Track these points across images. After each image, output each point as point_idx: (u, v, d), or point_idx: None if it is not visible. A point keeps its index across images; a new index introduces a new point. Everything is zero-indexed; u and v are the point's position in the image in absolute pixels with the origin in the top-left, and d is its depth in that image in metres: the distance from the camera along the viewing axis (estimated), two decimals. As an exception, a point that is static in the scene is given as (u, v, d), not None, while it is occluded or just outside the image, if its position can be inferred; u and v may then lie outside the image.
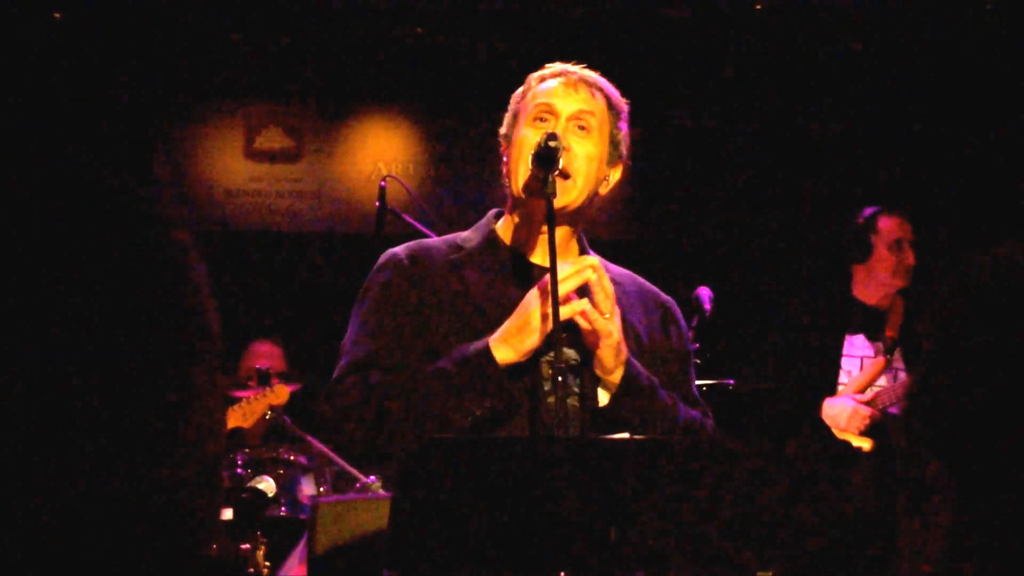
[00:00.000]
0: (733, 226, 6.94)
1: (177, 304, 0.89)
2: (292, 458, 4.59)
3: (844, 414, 4.07)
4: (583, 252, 2.44)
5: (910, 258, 4.23)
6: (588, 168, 2.32)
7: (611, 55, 3.08)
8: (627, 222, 6.90)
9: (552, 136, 2.21)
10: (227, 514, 4.13)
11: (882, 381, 4.17)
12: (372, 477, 4.26)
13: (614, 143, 2.38)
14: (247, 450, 4.54)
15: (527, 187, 2.29)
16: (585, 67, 2.42)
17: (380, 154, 7.06)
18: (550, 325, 2.12)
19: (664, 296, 2.49)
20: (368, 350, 2.28)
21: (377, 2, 6.61)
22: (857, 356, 4.24)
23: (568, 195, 2.29)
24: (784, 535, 1.63)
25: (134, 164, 6.62)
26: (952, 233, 5.02)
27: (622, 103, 2.42)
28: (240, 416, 4.37)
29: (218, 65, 6.86)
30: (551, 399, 2.18)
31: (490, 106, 2.77)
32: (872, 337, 4.25)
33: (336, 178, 7.06)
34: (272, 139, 7.07)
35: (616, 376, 2.22)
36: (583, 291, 2.21)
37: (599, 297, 2.19)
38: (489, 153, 6.97)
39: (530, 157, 2.24)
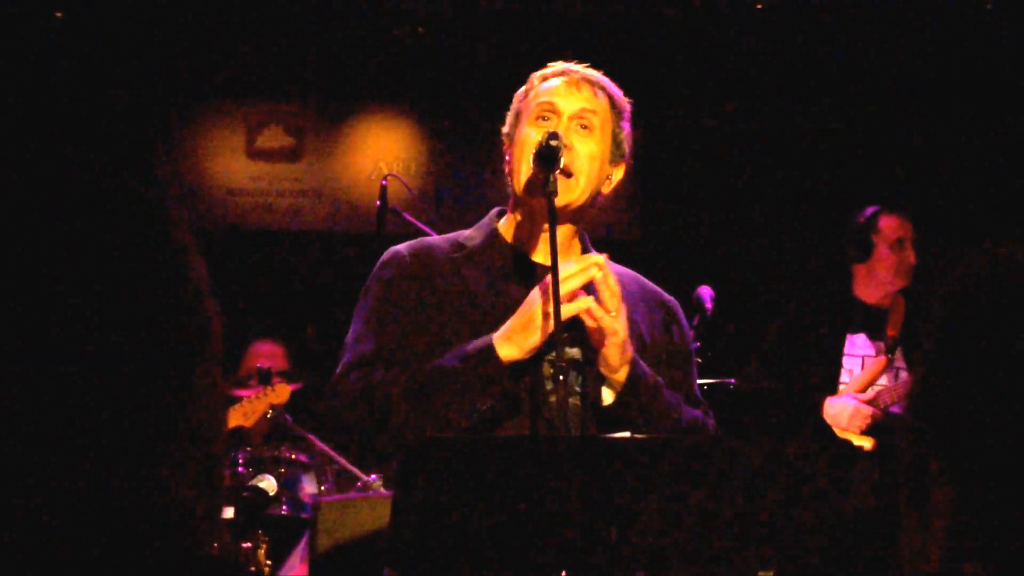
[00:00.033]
0: (734, 225, 6.94)
1: (177, 304, 0.89)
2: (293, 457, 4.59)
3: (845, 413, 4.07)
4: (585, 251, 2.43)
5: (911, 257, 4.22)
6: (590, 167, 2.32)
7: (611, 54, 3.08)
8: (628, 221, 6.90)
9: (553, 135, 2.21)
10: (228, 513, 4.13)
11: (883, 380, 4.17)
12: (373, 476, 4.27)
13: (616, 142, 2.38)
14: (248, 449, 4.54)
15: (528, 186, 2.29)
16: (588, 66, 2.42)
17: (381, 153, 7.06)
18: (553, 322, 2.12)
19: (666, 296, 2.49)
20: (371, 347, 2.28)
21: (377, 2, 6.62)
22: (858, 355, 4.23)
23: (570, 194, 2.29)
24: (784, 535, 1.63)
25: (134, 164, 6.61)
26: (952, 233, 5.02)
27: (625, 102, 2.42)
28: (241, 415, 4.37)
29: (219, 65, 6.86)
30: (552, 398, 2.18)
31: (491, 105, 2.77)
32: (873, 336, 4.24)
33: (337, 177, 7.06)
34: (273, 138, 7.07)
35: (621, 375, 2.22)
36: (589, 289, 2.20)
37: (605, 295, 2.19)
38: (490, 152, 6.98)
39: (531, 156, 2.24)
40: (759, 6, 6.46)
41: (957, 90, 6.53)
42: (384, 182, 4.50)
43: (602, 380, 2.24)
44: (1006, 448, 0.93)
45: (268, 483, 4.27)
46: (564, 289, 2.14)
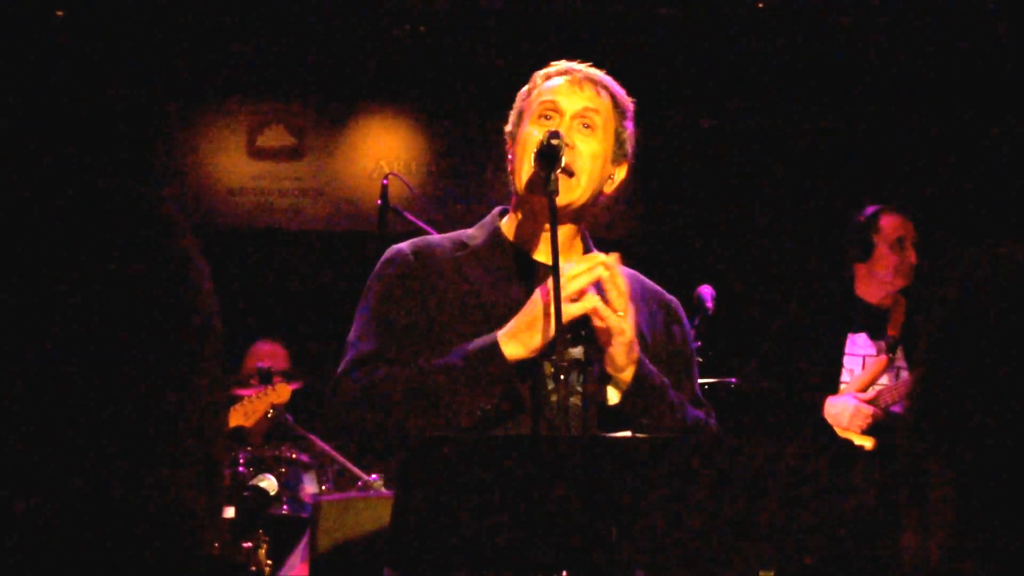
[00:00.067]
0: (734, 225, 6.94)
1: (179, 304, 0.89)
2: (294, 456, 4.59)
3: (846, 413, 4.07)
4: (587, 250, 2.43)
5: (912, 257, 4.22)
6: (592, 166, 2.32)
7: (611, 54, 3.08)
8: (628, 221, 6.90)
9: (555, 134, 2.21)
10: (229, 512, 4.13)
11: (884, 380, 4.17)
12: (374, 475, 4.27)
13: (619, 141, 2.38)
14: (249, 448, 4.54)
15: (530, 184, 2.29)
16: (591, 65, 2.42)
17: (382, 152, 7.06)
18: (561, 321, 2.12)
19: (667, 296, 2.49)
20: (373, 344, 2.27)
21: (377, 2, 6.62)
22: (859, 355, 4.23)
23: (571, 193, 2.29)
24: (784, 535, 1.63)
25: (134, 164, 6.62)
26: (952, 233, 5.01)
27: (628, 102, 2.41)
28: (242, 415, 4.37)
29: (220, 65, 6.87)
30: (553, 398, 2.17)
31: (491, 104, 2.77)
32: (874, 336, 4.24)
33: (338, 176, 7.07)
34: (274, 137, 7.08)
35: (627, 374, 2.22)
36: (597, 287, 2.20)
37: (612, 294, 2.19)
38: (491, 151, 6.99)
39: (533, 155, 2.24)
40: (759, 5, 6.46)
41: (957, 90, 6.52)
42: (385, 181, 4.50)
43: (607, 379, 2.24)
44: (1006, 448, 0.93)
45: (269, 483, 4.27)
46: (571, 288, 2.14)
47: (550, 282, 2.14)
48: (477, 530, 1.59)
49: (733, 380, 4.50)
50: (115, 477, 0.82)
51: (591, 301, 2.17)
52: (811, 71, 6.75)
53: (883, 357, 4.17)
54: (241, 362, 5.32)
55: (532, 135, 2.30)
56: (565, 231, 2.33)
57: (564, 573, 1.60)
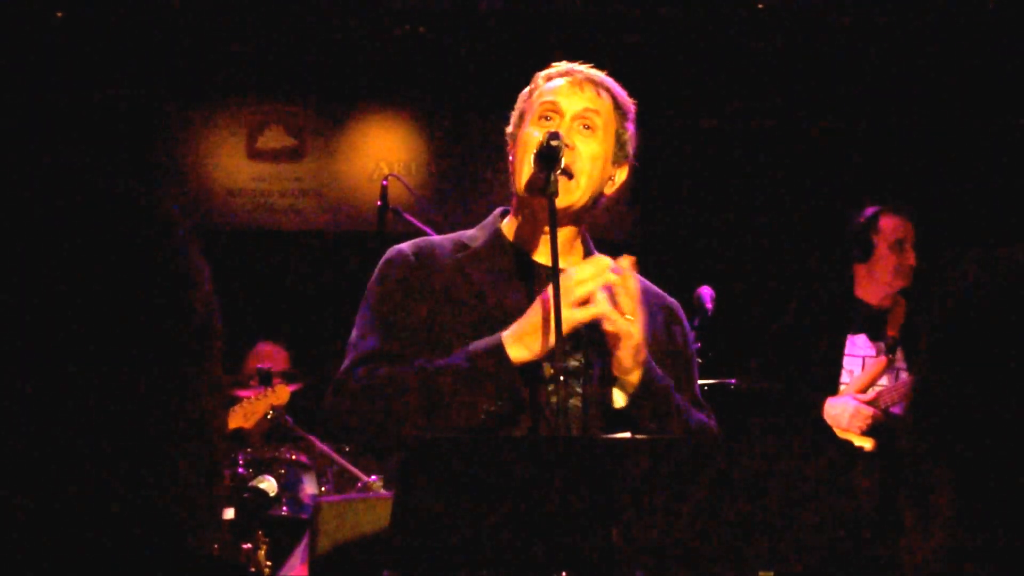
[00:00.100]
0: (735, 226, 6.94)
1: (179, 304, 0.89)
2: (294, 458, 4.59)
3: (846, 414, 4.07)
4: (588, 252, 2.43)
5: (911, 258, 4.22)
6: (592, 167, 2.31)
7: (611, 54, 3.08)
8: (628, 221, 6.90)
9: (554, 135, 2.21)
10: (229, 513, 4.13)
11: (884, 381, 4.17)
12: (373, 476, 4.27)
13: (620, 143, 2.38)
14: (249, 450, 4.54)
15: (530, 186, 2.29)
16: (592, 66, 2.42)
17: (382, 153, 7.06)
18: (566, 325, 2.13)
19: (668, 298, 2.49)
20: (375, 344, 2.27)
21: (377, 2, 6.62)
22: (859, 356, 4.23)
23: (571, 195, 2.28)
24: (784, 535, 1.63)
25: (135, 164, 6.62)
26: (952, 233, 5.02)
27: (629, 103, 2.41)
28: (241, 416, 4.37)
29: (220, 65, 6.87)
30: (553, 399, 2.17)
31: (491, 105, 2.78)
32: (874, 337, 4.24)
33: (338, 177, 7.07)
34: (274, 138, 7.08)
35: (634, 377, 2.22)
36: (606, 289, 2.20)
37: (623, 298, 2.19)
38: (491, 152, 6.98)
39: (533, 156, 2.24)
40: (760, 6, 6.46)
41: (957, 90, 6.53)
42: (385, 182, 4.50)
43: (613, 382, 2.24)
44: (1006, 448, 0.93)
45: (268, 484, 4.27)
46: (578, 293, 2.13)
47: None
48: (477, 530, 1.59)
49: (733, 381, 4.51)
50: (115, 477, 0.82)
51: (599, 307, 2.16)
52: (811, 71, 6.75)
53: (883, 358, 4.17)
54: (242, 363, 5.33)
55: (532, 136, 2.29)
56: (565, 232, 2.33)
57: (564, 573, 1.60)
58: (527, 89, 2.42)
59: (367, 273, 2.40)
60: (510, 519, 1.59)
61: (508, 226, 2.43)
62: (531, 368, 2.20)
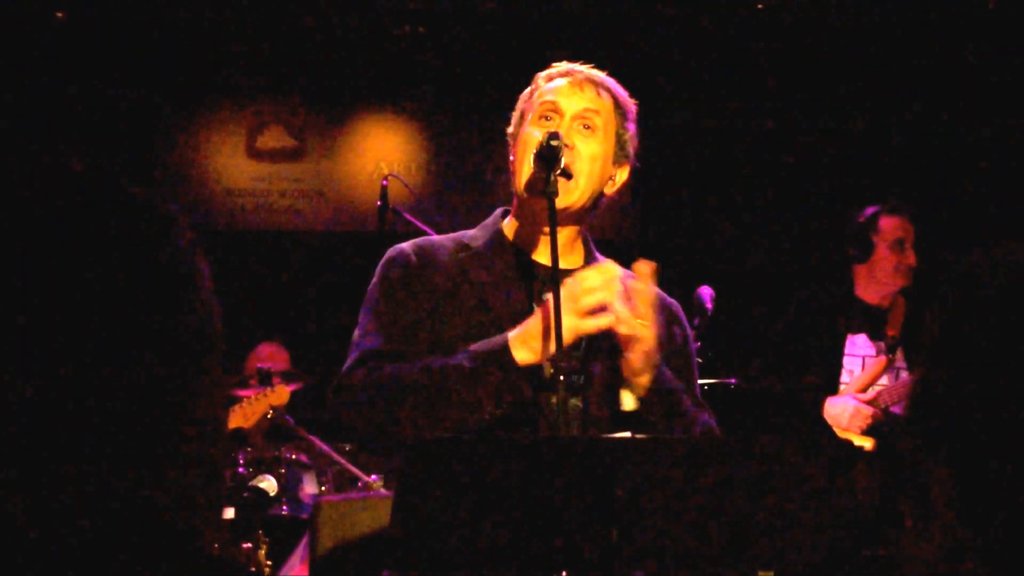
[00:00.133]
0: (735, 226, 6.94)
1: (179, 305, 0.89)
2: (294, 457, 4.59)
3: (846, 413, 4.07)
4: (589, 252, 2.43)
5: (911, 258, 4.22)
6: (591, 168, 2.31)
7: (611, 54, 3.08)
8: (628, 221, 6.90)
9: (554, 135, 2.21)
10: (229, 513, 4.13)
11: (884, 380, 4.17)
12: (373, 476, 4.27)
13: (620, 143, 2.38)
14: (249, 449, 4.54)
15: (529, 186, 2.29)
16: (593, 66, 2.42)
17: (382, 153, 7.06)
18: (573, 334, 2.13)
19: (668, 298, 2.49)
20: (379, 342, 2.27)
21: (377, 2, 6.62)
22: (859, 356, 4.23)
23: (570, 195, 2.28)
24: (784, 535, 1.63)
25: (136, 165, 6.62)
26: (952, 233, 5.01)
27: (630, 103, 2.41)
28: (241, 416, 4.37)
29: (220, 65, 6.87)
30: (553, 399, 2.17)
31: (491, 105, 2.78)
32: (874, 337, 4.25)
33: (338, 177, 7.07)
34: (274, 139, 7.08)
35: (645, 379, 2.22)
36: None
37: (639, 302, 2.19)
38: (490, 152, 6.97)
39: (532, 156, 2.24)
40: (760, 6, 6.46)
41: (957, 90, 6.52)
42: (385, 182, 4.51)
43: (620, 383, 2.24)
44: (1006, 448, 0.93)
45: (268, 483, 4.27)
46: (588, 302, 2.13)
47: (563, 289, 2.14)
48: (477, 530, 1.59)
49: (733, 380, 4.51)
50: (115, 477, 0.82)
51: (607, 319, 2.16)
52: (811, 71, 6.75)
53: (883, 358, 4.17)
54: (243, 363, 5.33)
55: (533, 136, 2.29)
56: (566, 233, 2.33)
57: (564, 573, 1.60)
58: (528, 89, 2.42)
59: (367, 273, 2.40)
60: (510, 519, 1.59)
61: (509, 226, 2.43)
62: (532, 368, 2.20)
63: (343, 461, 4.48)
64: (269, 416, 4.45)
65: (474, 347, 2.19)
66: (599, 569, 1.58)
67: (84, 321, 0.82)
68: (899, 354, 4.21)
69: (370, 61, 6.85)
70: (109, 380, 0.83)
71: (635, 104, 2.42)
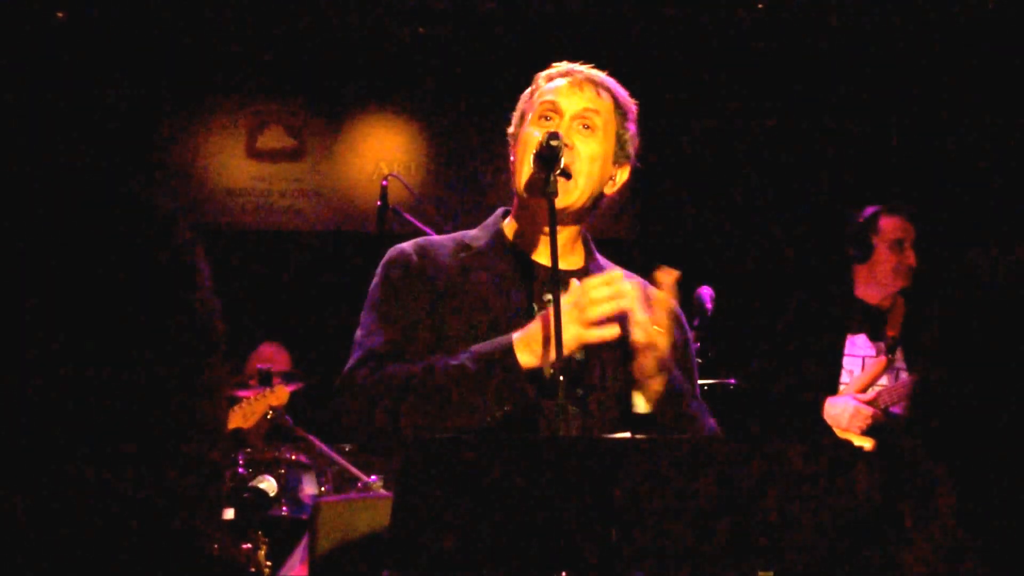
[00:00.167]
0: (735, 225, 6.94)
1: (179, 304, 0.89)
2: (293, 458, 4.59)
3: (846, 414, 4.07)
4: (589, 253, 2.43)
5: (911, 258, 4.22)
6: (591, 168, 2.31)
7: (611, 54, 3.08)
8: (628, 221, 6.90)
9: (554, 135, 2.21)
10: (229, 514, 4.13)
11: (884, 381, 4.17)
12: (373, 477, 4.27)
13: (620, 143, 2.37)
14: (248, 450, 4.54)
15: (529, 186, 2.29)
16: (592, 67, 2.42)
17: (381, 153, 7.06)
18: (576, 343, 2.13)
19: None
20: (381, 342, 2.27)
21: (378, 2, 6.62)
22: (859, 356, 4.23)
23: (570, 195, 2.28)
24: (784, 535, 1.63)
25: (137, 165, 6.62)
26: (952, 233, 5.02)
27: (630, 103, 2.41)
28: (241, 417, 4.37)
29: (219, 65, 6.87)
30: (553, 404, 2.17)
31: (491, 105, 2.78)
32: (874, 337, 4.24)
33: (338, 177, 7.07)
34: (274, 139, 7.08)
35: (657, 383, 2.22)
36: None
37: (657, 308, 2.19)
38: (490, 152, 6.97)
39: (532, 156, 2.24)
40: (760, 6, 6.46)
41: (958, 90, 6.53)
42: (384, 182, 4.51)
43: (634, 386, 2.24)
44: (1006, 448, 0.93)
45: (268, 484, 4.27)
46: (593, 313, 2.13)
47: (568, 294, 2.14)
48: (477, 530, 1.59)
49: (733, 380, 4.50)
50: (115, 477, 0.82)
51: (610, 329, 2.15)
52: (811, 71, 6.75)
53: (883, 358, 4.17)
54: (244, 364, 5.33)
55: (532, 136, 2.30)
56: (566, 233, 2.33)
57: (564, 573, 1.60)
58: (528, 90, 2.43)
59: (367, 273, 2.40)
60: (510, 519, 1.59)
61: (509, 226, 2.43)
62: (534, 371, 2.20)
63: (343, 461, 4.48)
64: (269, 416, 4.45)
65: (477, 348, 2.19)
66: (599, 569, 1.58)
67: (84, 321, 0.82)
68: (899, 354, 4.21)
69: (370, 61, 6.85)
70: (109, 380, 0.83)
71: (635, 104, 2.42)
